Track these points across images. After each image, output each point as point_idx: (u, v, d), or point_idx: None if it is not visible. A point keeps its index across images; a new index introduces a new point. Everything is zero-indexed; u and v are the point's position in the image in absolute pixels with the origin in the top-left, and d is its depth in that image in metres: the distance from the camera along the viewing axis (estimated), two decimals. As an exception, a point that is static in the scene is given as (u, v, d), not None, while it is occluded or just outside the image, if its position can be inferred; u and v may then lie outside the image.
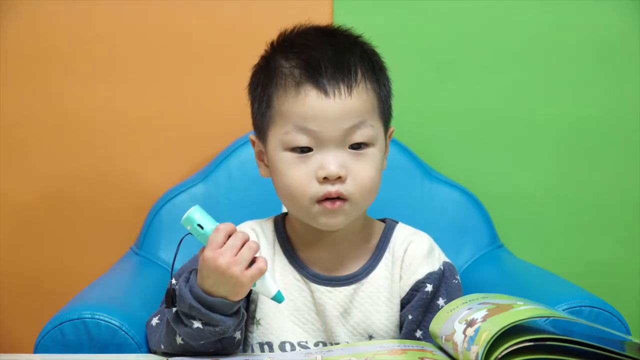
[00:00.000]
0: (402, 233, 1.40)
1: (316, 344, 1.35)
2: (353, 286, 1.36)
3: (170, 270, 1.69)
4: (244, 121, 1.84)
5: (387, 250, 1.38)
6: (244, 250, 1.19)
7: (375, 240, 1.40)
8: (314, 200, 1.30)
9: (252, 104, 1.39)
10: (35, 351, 1.34)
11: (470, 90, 1.91)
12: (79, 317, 1.34)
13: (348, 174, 1.29)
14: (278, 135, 1.32)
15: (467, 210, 1.78)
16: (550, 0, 1.90)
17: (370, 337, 1.35)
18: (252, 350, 1.36)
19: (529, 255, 1.82)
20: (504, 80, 1.90)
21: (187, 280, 1.22)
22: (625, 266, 1.93)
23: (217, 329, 1.20)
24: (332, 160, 1.29)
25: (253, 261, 1.20)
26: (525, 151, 1.92)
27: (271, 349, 1.35)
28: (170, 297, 1.21)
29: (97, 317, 1.34)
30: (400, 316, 1.36)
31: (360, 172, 1.31)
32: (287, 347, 1.35)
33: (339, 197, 1.30)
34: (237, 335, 1.24)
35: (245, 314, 1.27)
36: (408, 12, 1.89)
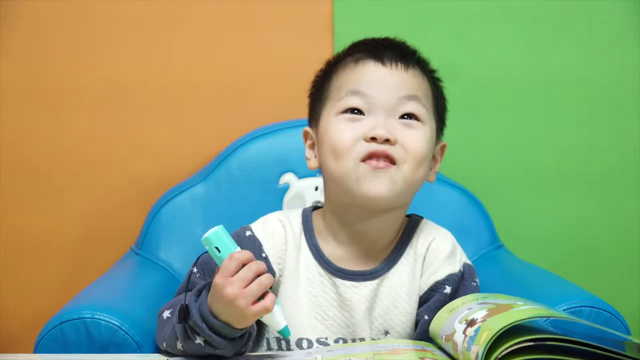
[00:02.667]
0: (426, 230, 1.40)
1: (336, 341, 1.34)
2: (377, 281, 1.36)
3: (171, 268, 1.71)
4: (244, 121, 1.85)
5: (410, 246, 1.38)
6: (253, 285, 1.17)
7: (398, 234, 1.39)
8: (359, 159, 1.30)
9: (310, 101, 1.41)
10: (35, 351, 1.34)
11: (470, 91, 1.91)
12: (79, 317, 1.34)
13: (397, 140, 1.30)
14: (331, 105, 1.34)
15: (467, 210, 1.78)
16: (551, 2, 1.90)
17: (387, 333, 1.35)
18: (269, 344, 1.36)
19: (529, 255, 1.82)
20: (504, 80, 1.91)
21: (198, 295, 1.22)
22: (625, 266, 1.93)
23: (217, 350, 1.20)
24: (382, 124, 1.30)
25: (265, 294, 1.18)
26: (526, 151, 1.92)
27: (288, 345, 1.34)
28: (183, 314, 1.20)
29: (97, 317, 1.34)
30: (417, 314, 1.35)
31: (409, 140, 1.31)
32: (304, 343, 1.34)
33: (386, 158, 1.30)
34: (243, 349, 1.24)
35: (254, 333, 1.25)
36: (408, 13, 1.89)
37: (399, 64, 1.34)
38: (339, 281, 1.35)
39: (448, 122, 1.90)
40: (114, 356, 1.30)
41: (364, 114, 1.32)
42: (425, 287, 1.36)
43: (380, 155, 1.29)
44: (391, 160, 1.30)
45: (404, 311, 1.35)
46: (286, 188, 1.75)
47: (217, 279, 1.18)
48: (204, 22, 1.89)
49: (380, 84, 1.32)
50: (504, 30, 1.90)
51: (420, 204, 1.74)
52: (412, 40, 1.87)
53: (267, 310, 1.18)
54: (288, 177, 1.75)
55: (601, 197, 1.93)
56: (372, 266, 1.37)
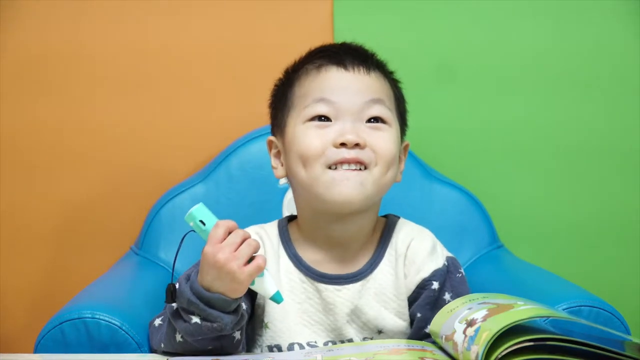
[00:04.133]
0: (404, 229, 1.41)
1: (325, 344, 1.35)
2: (360, 283, 1.37)
3: (171, 268, 1.70)
4: (244, 121, 1.85)
5: (390, 245, 1.39)
6: (243, 247, 1.19)
7: (377, 235, 1.40)
8: (327, 165, 1.31)
9: (272, 110, 1.43)
10: (35, 351, 1.34)
11: (470, 91, 1.91)
12: (79, 317, 1.34)
13: (366, 144, 1.32)
14: (297, 113, 1.35)
15: (467, 210, 1.78)
16: (551, 1, 1.90)
17: (380, 332, 1.36)
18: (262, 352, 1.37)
19: (529, 255, 1.82)
20: (504, 81, 1.91)
21: (188, 277, 1.23)
22: (625, 266, 1.93)
23: (215, 325, 1.20)
24: (350, 129, 1.31)
25: (253, 259, 1.20)
26: (525, 151, 1.92)
27: (280, 352, 1.35)
28: (170, 293, 1.22)
29: (97, 316, 1.34)
30: (410, 314, 1.36)
31: (378, 142, 1.33)
32: (296, 347, 1.35)
33: (357, 162, 1.31)
34: (237, 335, 1.24)
35: (246, 315, 1.27)
36: (408, 13, 1.89)
37: (361, 68, 1.36)
38: (322, 286, 1.37)
39: (448, 121, 1.91)
40: (114, 356, 1.30)
41: (331, 121, 1.33)
42: (412, 286, 1.36)
43: (351, 161, 1.31)
44: (362, 164, 1.32)
45: (394, 311, 1.36)
46: (286, 188, 1.75)
47: (207, 248, 1.20)
48: (204, 22, 1.89)
49: (345, 89, 1.34)
50: (503, 29, 1.90)
51: (421, 204, 1.75)
52: (412, 40, 1.89)
53: (260, 268, 1.19)
54: (288, 177, 1.75)
55: (601, 197, 1.92)
56: (355, 269, 1.38)
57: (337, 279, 1.37)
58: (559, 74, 1.91)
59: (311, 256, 1.39)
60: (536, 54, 1.91)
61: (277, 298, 1.22)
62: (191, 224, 1.21)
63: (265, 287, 1.21)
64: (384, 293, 1.36)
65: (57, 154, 1.90)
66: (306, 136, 1.33)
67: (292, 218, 1.45)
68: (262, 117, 1.84)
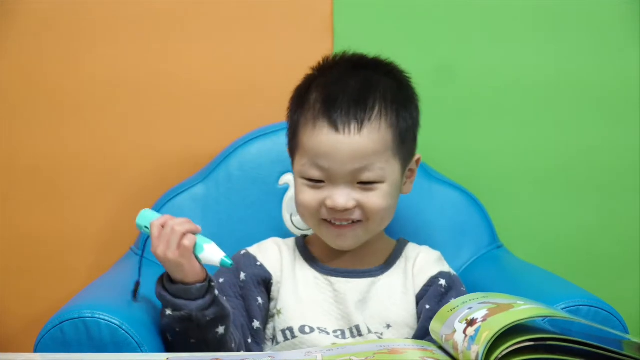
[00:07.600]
0: (413, 246, 1.53)
1: (335, 331, 1.43)
2: (370, 279, 1.46)
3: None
4: (244, 121, 1.85)
5: (400, 259, 1.50)
6: (168, 234, 1.30)
7: (389, 251, 1.52)
8: (322, 218, 1.43)
9: (288, 127, 1.49)
10: (35, 351, 1.34)
11: (470, 90, 1.91)
12: (79, 317, 1.34)
13: (357, 205, 1.40)
14: (298, 164, 1.44)
15: (467, 210, 1.78)
16: (550, 2, 1.90)
17: (389, 327, 1.43)
18: (276, 340, 1.44)
19: (529, 255, 1.82)
20: (504, 81, 1.91)
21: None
22: (625, 266, 1.93)
23: (183, 312, 1.30)
24: (339, 194, 1.39)
25: None
26: (526, 151, 1.92)
27: (292, 334, 1.42)
28: (134, 290, 1.35)
29: (97, 316, 1.34)
30: (418, 310, 1.45)
31: (368, 203, 1.40)
32: (307, 329, 1.42)
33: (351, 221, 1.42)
34: (220, 330, 1.33)
35: (229, 309, 1.35)
36: (408, 13, 1.89)
37: (352, 126, 1.38)
38: (334, 279, 1.46)
39: (448, 122, 1.91)
40: (114, 356, 1.30)
41: (324, 182, 1.41)
42: (420, 283, 1.46)
43: (342, 221, 1.42)
44: (355, 220, 1.42)
45: (402, 306, 1.44)
46: (286, 188, 1.75)
47: (151, 248, 1.32)
48: (204, 22, 1.89)
49: (334, 155, 1.38)
50: (504, 31, 1.90)
51: (421, 204, 1.75)
52: (412, 40, 1.89)
53: (187, 248, 1.29)
54: (288, 177, 1.75)
55: (601, 197, 1.93)
56: (367, 267, 1.49)
57: (348, 272, 1.47)
58: (560, 74, 1.91)
59: (325, 258, 1.49)
60: (537, 55, 1.91)
61: (225, 263, 1.30)
62: (142, 231, 1.32)
63: (210, 257, 1.30)
64: (393, 289, 1.46)
65: (58, 156, 1.90)
66: (303, 193, 1.43)
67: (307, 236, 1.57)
68: (262, 117, 1.85)
